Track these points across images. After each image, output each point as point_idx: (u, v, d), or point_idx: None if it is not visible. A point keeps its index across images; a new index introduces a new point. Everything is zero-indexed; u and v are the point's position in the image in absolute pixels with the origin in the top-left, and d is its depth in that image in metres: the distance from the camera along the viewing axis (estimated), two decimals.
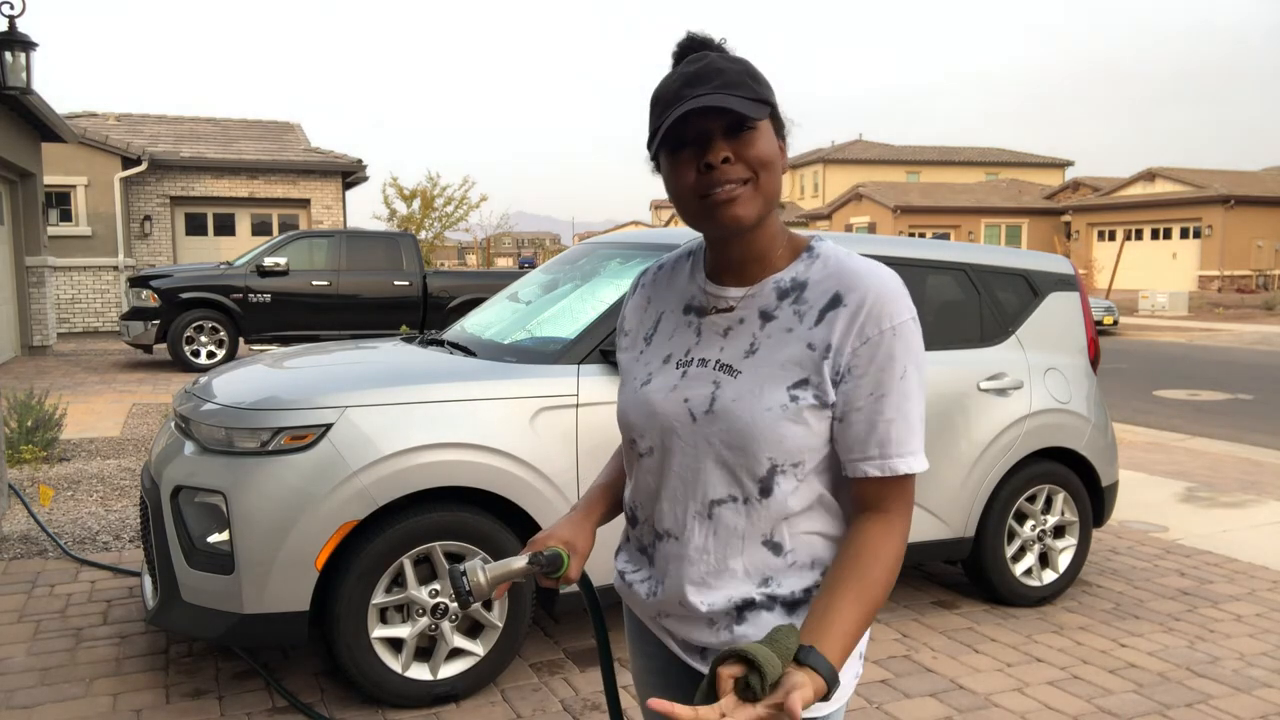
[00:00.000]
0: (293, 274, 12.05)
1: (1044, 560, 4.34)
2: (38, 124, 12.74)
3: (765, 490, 1.30)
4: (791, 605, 1.34)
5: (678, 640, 1.43)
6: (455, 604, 1.36)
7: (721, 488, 1.32)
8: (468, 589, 1.37)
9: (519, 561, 1.43)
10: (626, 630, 1.62)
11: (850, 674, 1.38)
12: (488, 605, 3.24)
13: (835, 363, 1.27)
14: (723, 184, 1.25)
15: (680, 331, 1.41)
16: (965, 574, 4.36)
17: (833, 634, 1.18)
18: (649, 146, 1.31)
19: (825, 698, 1.14)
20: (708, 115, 1.24)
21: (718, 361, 1.34)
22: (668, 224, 57.55)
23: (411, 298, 12.53)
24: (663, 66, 1.35)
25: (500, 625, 3.26)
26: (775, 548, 1.33)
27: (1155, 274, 34.22)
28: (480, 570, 1.39)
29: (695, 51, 1.32)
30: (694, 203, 1.28)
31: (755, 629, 1.34)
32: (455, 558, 3.18)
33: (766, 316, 1.33)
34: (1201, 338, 20.00)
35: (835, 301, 1.29)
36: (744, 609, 1.34)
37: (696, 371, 1.35)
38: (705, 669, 1.40)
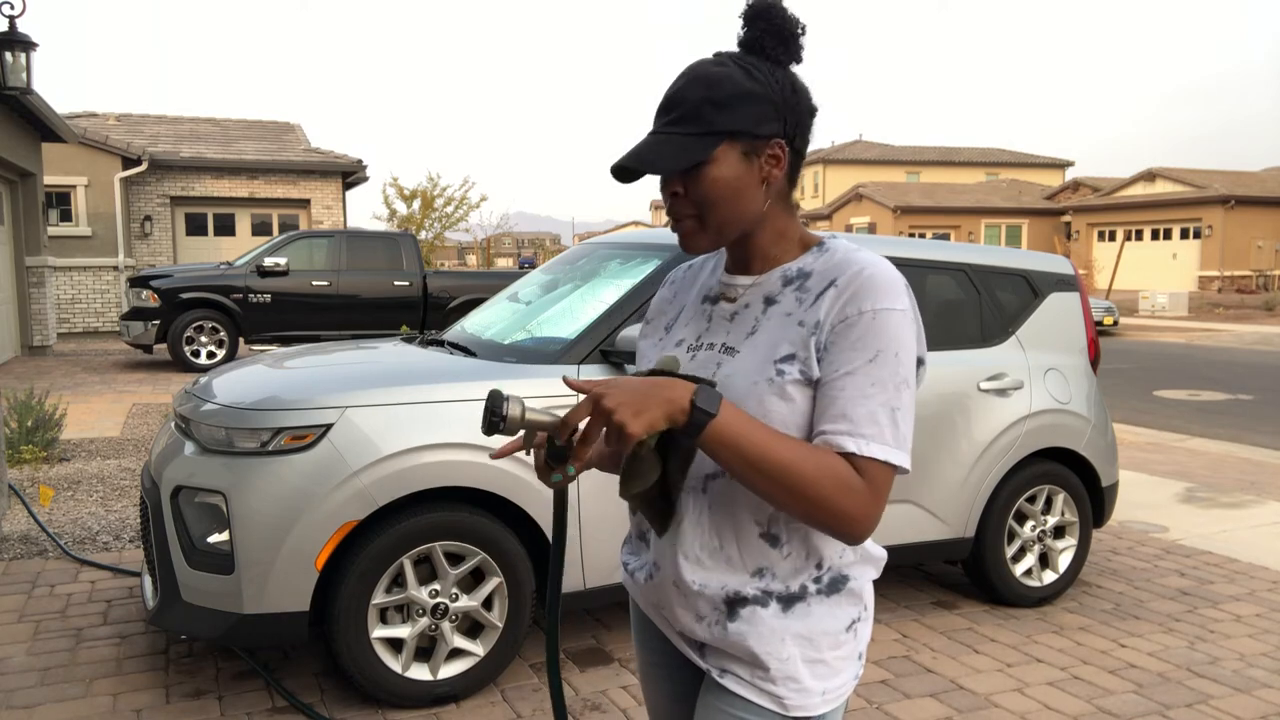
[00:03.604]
0: (293, 274, 12.05)
1: (1044, 560, 4.34)
2: (38, 124, 12.75)
3: None
4: (788, 600, 1.34)
5: (677, 631, 1.44)
6: (481, 426, 1.30)
7: (713, 462, 1.33)
8: (504, 414, 1.26)
9: (553, 417, 1.31)
10: (632, 626, 1.62)
11: (849, 674, 1.39)
12: (488, 605, 3.24)
13: (819, 339, 1.30)
14: (678, 217, 1.37)
15: (695, 319, 1.47)
16: (965, 574, 4.36)
17: (742, 414, 1.23)
18: None
19: (687, 429, 1.20)
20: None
21: (723, 344, 1.40)
22: (667, 224, 57.50)
23: (411, 298, 12.53)
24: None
25: (500, 625, 3.26)
26: (773, 539, 1.34)
27: (1155, 274, 34.22)
28: (520, 403, 1.29)
29: (752, 19, 1.35)
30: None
31: (751, 627, 1.34)
32: (455, 558, 3.18)
33: (770, 301, 1.38)
34: (1201, 338, 20.00)
35: (829, 285, 1.32)
36: (736, 604, 1.34)
37: (704, 355, 1.41)
38: (705, 664, 1.40)
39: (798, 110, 1.35)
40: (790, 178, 1.39)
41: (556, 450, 1.30)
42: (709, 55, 1.38)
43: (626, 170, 1.36)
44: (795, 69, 1.38)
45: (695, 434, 1.20)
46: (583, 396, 1.39)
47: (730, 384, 1.33)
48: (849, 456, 1.25)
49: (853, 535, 1.24)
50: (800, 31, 1.35)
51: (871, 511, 1.24)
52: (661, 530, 1.40)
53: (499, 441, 3.16)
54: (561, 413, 1.29)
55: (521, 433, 1.35)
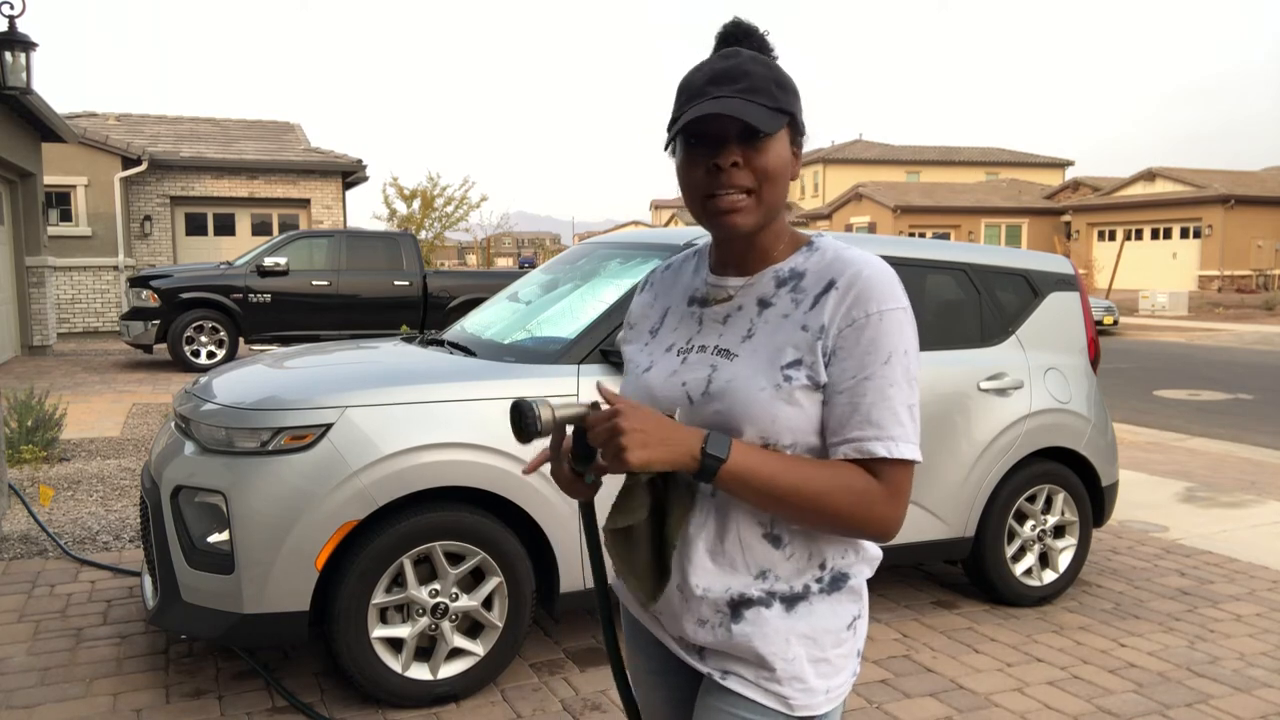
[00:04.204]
0: (293, 274, 12.05)
1: (1044, 560, 4.34)
2: (38, 124, 12.74)
3: None
4: (791, 600, 1.34)
5: (674, 637, 1.44)
6: (516, 437, 1.30)
7: None
8: (538, 416, 1.26)
9: (580, 407, 1.31)
10: (624, 631, 1.61)
11: (849, 671, 1.39)
12: (488, 605, 3.24)
13: (825, 344, 1.30)
14: (727, 189, 1.29)
15: (684, 322, 1.45)
16: (965, 574, 4.36)
17: (749, 449, 1.24)
18: (668, 131, 1.34)
19: (700, 475, 1.22)
20: (725, 118, 1.27)
21: (716, 347, 1.38)
22: (667, 224, 57.54)
23: (411, 298, 12.53)
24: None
25: (500, 625, 3.26)
26: (775, 540, 1.34)
27: (1155, 274, 34.20)
28: (547, 405, 1.29)
29: (738, 38, 1.36)
30: (699, 201, 1.33)
31: (755, 628, 1.34)
32: (455, 557, 3.18)
33: (764, 304, 1.37)
34: (1201, 338, 20.00)
35: (829, 286, 1.32)
36: (741, 605, 1.34)
37: (696, 357, 1.39)
38: (704, 668, 1.40)
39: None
40: None
41: (583, 451, 1.31)
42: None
43: (698, 130, 1.29)
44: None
45: (709, 478, 1.22)
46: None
47: (731, 389, 1.32)
48: (874, 461, 1.27)
49: (881, 537, 1.28)
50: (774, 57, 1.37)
51: (894, 512, 1.27)
52: (650, 600, 1.39)
53: (499, 441, 3.16)
54: (579, 405, 1.29)
55: (548, 439, 1.36)
